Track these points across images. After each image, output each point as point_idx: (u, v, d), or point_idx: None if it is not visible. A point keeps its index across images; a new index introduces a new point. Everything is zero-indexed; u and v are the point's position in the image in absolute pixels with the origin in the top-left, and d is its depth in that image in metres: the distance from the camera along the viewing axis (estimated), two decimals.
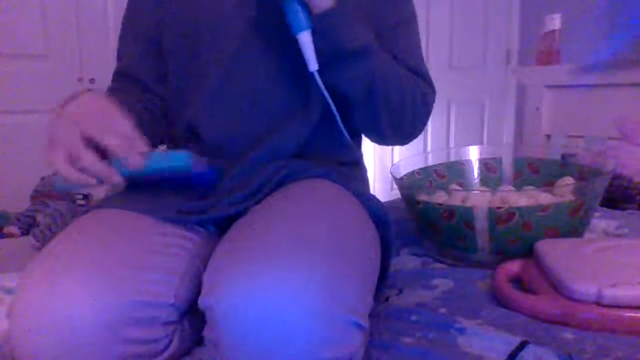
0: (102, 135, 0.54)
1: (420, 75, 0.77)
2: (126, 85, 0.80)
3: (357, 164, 0.82)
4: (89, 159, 0.53)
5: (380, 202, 0.64)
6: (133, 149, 0.55)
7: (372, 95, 0.67)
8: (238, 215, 0.58)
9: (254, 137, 0.69)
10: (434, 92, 0.79)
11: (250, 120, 0.71)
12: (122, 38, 0.82)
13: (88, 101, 0.58)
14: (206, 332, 0.46)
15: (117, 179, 0.55)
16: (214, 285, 0.44)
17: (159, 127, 0.78)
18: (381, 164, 2.84)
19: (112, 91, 0.80)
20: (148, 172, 0.56)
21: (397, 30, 0.77)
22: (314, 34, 0.62)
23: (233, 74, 0.71)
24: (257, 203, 0.59)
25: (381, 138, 0.76)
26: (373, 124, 0.72)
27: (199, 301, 0.45)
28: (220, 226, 0.64)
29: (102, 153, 0.55)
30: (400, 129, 0.74)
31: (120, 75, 0.81)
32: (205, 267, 0.49)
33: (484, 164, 1.01)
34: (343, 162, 0.78)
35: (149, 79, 0.80)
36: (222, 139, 0.71)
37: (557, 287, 0.58)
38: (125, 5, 0.83)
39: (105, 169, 0.53)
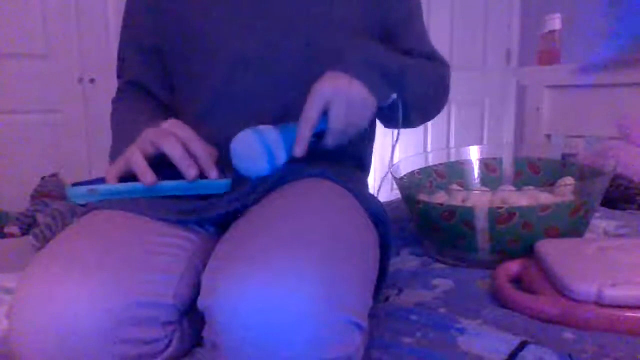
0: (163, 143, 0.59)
1: (434, 58, 0.82)
2: (138, 94, 0.81)
3: (357, 165, 0.82)
4: (138, 158, 0.59)
5: (380, 201, 0.64)
6: (189, 165, 0.60)
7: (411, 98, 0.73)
8: (237, 216, 0.58)
9: None
10: (448, 67, 0.84)
11: (250, 122, 0.71)
12: (124, 46, 0.82)
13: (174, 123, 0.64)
14: (205, 333, 0.46)
15: (150, 180, 0.59)
16: (213, 286, 0.44)
17: None
18: (381, 164, 2.84)
19: (127, 99, 0.80)
20: (187, 194, 0.61)
21: (408, 22, 0.81)
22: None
23: (232, 76, 0.71)
24: (255, 202, 0.59)
25: (410, 126, 0.81)
26: (408, 121, 0.76)
27: (198, 302, 0.45)
28: (220, 227, 0.64)
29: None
30: (427, 115, 0.81)
31: (129, 84, 0.82)
32: (204, 267, 0.48)
33: (484, 163, 1.01)
34: (343, 163, 0.78)
35: (156, 88, 0.81)
36: (222, 141, 0.71)
37: (557, 287, 0.58)
38: (125, 6, 0.83)
39: (144, 168, 0.59)
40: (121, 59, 0.83)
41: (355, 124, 0.65)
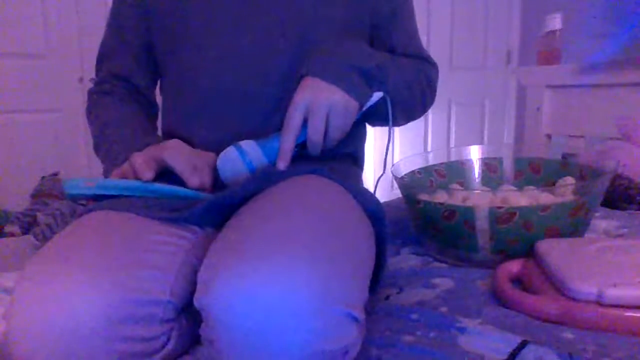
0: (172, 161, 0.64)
1: (421, 58, 0.82)
2: (120, 88, 0.80)
3: (352, 161, 0.82)
4: (138, 160, 0.62)
5: (375, 196, 0.64)
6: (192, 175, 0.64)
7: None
8: (231, 215, 0.58)
9: (245, 136, 0.69)
10: (435, 67, 0.84)
11: (241, 120, 0.71)
12: (109, 39, 0.82)
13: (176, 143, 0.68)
14: (202, 330, 0.46)
15: (148, 176, 0.62)
16: (208, 283, 0.44)
17: (154, 130, 0.81)
18: (381, 163, 2.84)
19: (108, 93, 0.80)
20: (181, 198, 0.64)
21: (395, 17, 0.80)
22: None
23: (222, 74, 0.71)
24: (248, 198, 0.59)
25: (394, 125, 0.79)
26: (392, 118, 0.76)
27: (194, 299, 0.45)
28: (216, 226, 0.64)
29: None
30: (412, 115, 0.80)
31: (112, 77, 0.81)
32: (201, 265, 0.48)
33: (485, 163, 1.01)
34: (337, 159, 0.78)
35: (142, 82, 0.81)
36: (212, 139, 0.71)
37: (558, 287, 0.58)
38: (113, 1, 0.83)
39: (144, 167, 0.62)
40: (104, 52, 0.82)
41: (338, 129, 0.66)
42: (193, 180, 0.64)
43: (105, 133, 0.74)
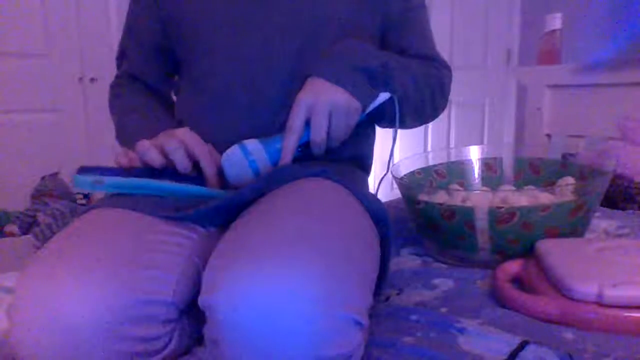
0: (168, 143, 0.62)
1: (434, 59, 0.81)
2: (137, 87, 0.83)
3: (358, 164, 0.82)
4: (145, 145, 0.61)
5: (380, 200, 0.64)
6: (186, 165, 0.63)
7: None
8: (237, 217, 0.58)
9: (255, 136, 0.69)
10: (448, 70, 0.83)
11: (251, 120, 0.71)
12: (126, 39, 0.84)
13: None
14: (206, 330, 0.46)
15: (158, 162, 0.61)
16: (214, 283, 0.44)
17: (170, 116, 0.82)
18: (381, 164, 2.84)
19: (129, 87, 0.82)
20: (188, 196, 0.64)
21: (408, 18, 0.80)
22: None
23: (231, 76, 0.71)
24: (253, 200, 0.59)
25: (403, 127, 0.79)
26: (400, 120, 0.75)
27: (199, 299, 0.45)
28: (220, 227, 0.64)
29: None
30: (422, 117, 0.79)
31: (128, 76, 0.84)
32: (204, 265, 0.48)
33: (485, 163, 1.01)
34: (344, 162, 0.78)
35: (155, 82, 0.83)
36: (223, 139, 0.71)
37: (558, 287, 0.58)
38: (126, 5, 0.85)
39: (157, 155, 0.62)
40: (121, 50, 0.85)
41: (341, 129, 0.66)
42: (216, 181, 0.65)
43: (122, 122, 0.77)
